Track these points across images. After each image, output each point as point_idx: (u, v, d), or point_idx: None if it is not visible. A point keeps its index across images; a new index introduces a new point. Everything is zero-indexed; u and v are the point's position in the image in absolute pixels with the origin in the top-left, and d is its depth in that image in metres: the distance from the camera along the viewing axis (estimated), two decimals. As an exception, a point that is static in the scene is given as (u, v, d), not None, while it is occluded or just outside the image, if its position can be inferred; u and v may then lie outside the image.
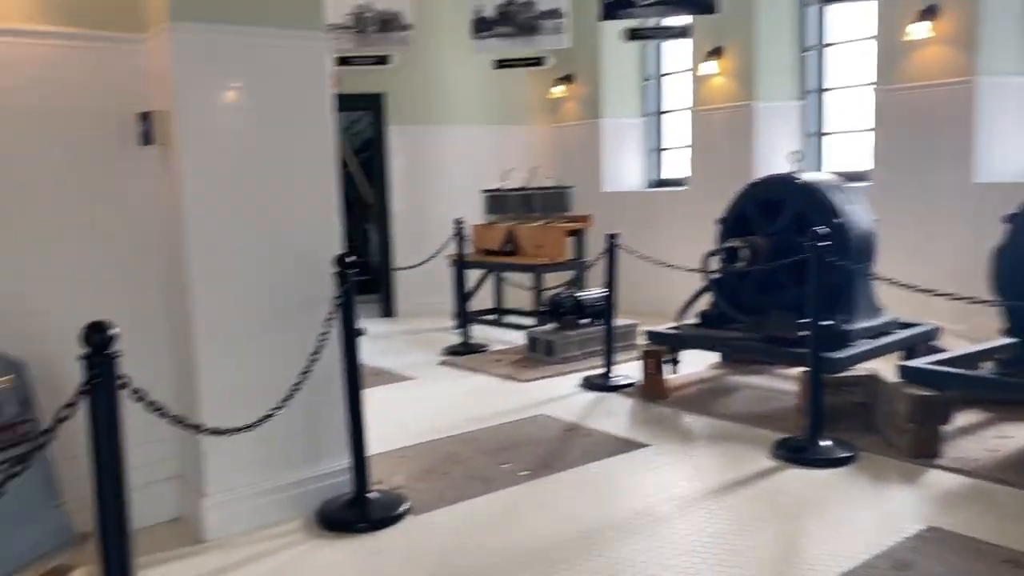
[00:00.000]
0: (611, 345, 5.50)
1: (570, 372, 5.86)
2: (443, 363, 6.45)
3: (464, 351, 6.75)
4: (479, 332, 7.34)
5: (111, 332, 1.84)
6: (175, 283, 3.37)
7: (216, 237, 3.29)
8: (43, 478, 2.75)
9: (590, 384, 5.48)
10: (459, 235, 7.29)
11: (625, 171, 8.97)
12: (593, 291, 6.48)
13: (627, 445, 4.29)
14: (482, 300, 7.75)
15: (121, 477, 1.86)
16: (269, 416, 2.81)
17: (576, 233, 7.38)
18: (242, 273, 3.36)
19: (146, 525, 3.23)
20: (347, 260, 3.44)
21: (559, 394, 5.36)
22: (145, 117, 3.30)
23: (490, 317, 7.81)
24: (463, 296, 7.34)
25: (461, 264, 7.37)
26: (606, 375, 5.49)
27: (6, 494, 2.62)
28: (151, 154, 3.37)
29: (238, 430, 2.53)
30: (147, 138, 3.32)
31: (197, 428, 2.30)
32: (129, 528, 1.90)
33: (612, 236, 5.48)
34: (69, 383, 3.23)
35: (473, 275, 7.62)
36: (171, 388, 3.38)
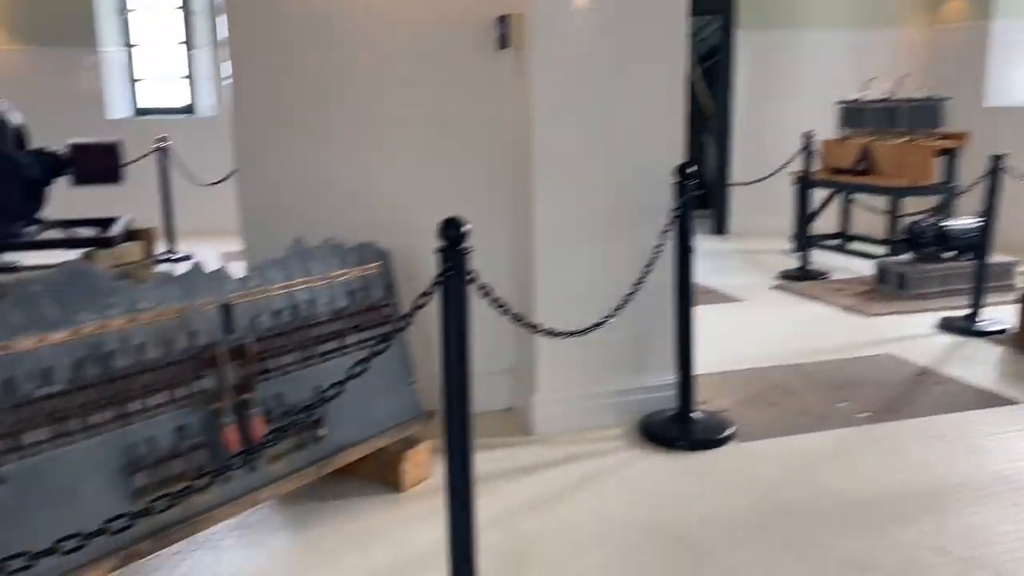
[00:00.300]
0: (982, 284, 4.80)
1: (925, 310, 5.23)
2: (776, 287, 6.10)
3: (801, 276, 6.33)
4: (820, 258, 6.83)
5: (464, 228, 1.90)
6: (521, 186, 3.47)
7: (561, 141, 3.32)
8: (400, 357, 3.03)
9: (950, 326, 4.85)
10: (807, 150, 6.75)
11: (1017, 83, 7.65)
12: (963, 221, 5.67)
13: (991, 399, 3.74)
14: (826, 223, 7.16)
15: (466, 364, 1.95)
16: (600, 323, 2.81)
17: (947, 153, 6.47)
18: (583, 178, 3.37)
19: (481, 411, 3.46)
20: (688, 172, 3.30)
21: (910, 333, 4.81)
22: (502, 20, 3.37)
23: (833, 242, 7.21)
24: (805, 217, 6.83)
25: (806, 182, 6.84)
26: (971, 317, 4.82)
27: (371, 368, 2.95)
28: (506, 58, 3.45)
29: (571, 334, 2.56)
30: (503, 42, 3.40)
31: (534, 328, 2.35)
32: (470, 411, 1.99)
33: (998, 158, 4.70)
34: (424, 273, 3.54)
35: (818, 195, 7.04)
36: (510, 287, 3.53)
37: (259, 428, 2.51)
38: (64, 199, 6.91)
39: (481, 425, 3.40)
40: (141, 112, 9.69)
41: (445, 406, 1.99)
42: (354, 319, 2.89)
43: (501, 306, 2.16)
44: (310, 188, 3.39)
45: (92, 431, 2.16)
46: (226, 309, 2.47)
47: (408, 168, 3.48)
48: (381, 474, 2.97)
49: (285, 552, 2.55)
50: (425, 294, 1.84)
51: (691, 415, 3.41)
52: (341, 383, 1.80)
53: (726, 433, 3.35)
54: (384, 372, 2.97)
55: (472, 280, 1.93)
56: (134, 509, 2.20)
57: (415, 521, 2.73)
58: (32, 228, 6.55)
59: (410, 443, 2.99)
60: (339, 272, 2.88)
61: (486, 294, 2.08)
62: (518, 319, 2.26)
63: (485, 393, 3.55)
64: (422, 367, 3.22)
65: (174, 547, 2.36)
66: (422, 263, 3.52)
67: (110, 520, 1.47)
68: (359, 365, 1.82)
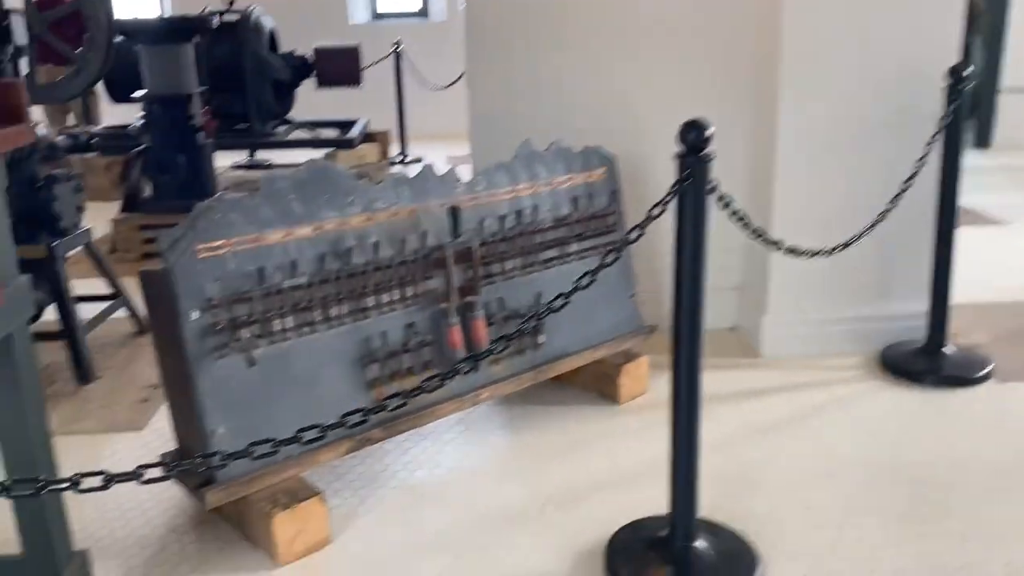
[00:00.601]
0: None
1: None
2: (1051, 210, 5.34)
3: (1083, 198, 5.49)
4: (1109, 177, 5.89)
5: (707, 132, 1.74)
6: (764, 87, 3.19)
7: (812, 39, 2.99)
8: (622, 269, 2.94)
9: None
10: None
11: None
12: None
13: None
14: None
15: (700, 279, 1.83)
16: (850, 243, 2.55)
17: None
18: (836, 80, 3.03)
19: (705, 328, 3.31)
20: (962, 74, 2.87)
21: None
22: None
23: None
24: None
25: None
26: None
27: (595, 279, 2.89)
28: (754, -54, 3.13)
29: (815, 253, 2.33)
30: (752, -73, 3.08)
31: (776, 245, 2.16)
32: (701, 329, 1.87)
33: None
34: (651, 180, 3.39)
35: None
36: (744, 198, 3.30)
37: (481, 330, 2.53)
38: (307, 101, 7.35)
39: (705, 343, 3.27)
40: (378, 17, 10.03)
41: (674, 322, 1.88)
42: (577, 227, 2.82)
43: (742, 220, 1.99)
44: (539, 92, 3.31)
45: (332, 323, 2.26)
46: (454, 212, 2.48)
47: (640, 70, 3.30)
48: (598, 385, 2.94)
49: (502, 452, 2.60)
50: (660, 203, 1.71)
51: (942, 349, 3.07)
52: (568, 295, 1.74)
53: (983, 371, 2.99)
54: (605, 283, 2.88)
55: (712, 189, 1.77)
56: (367, 399, 2.32)
57: (631, 435, 2.68)
58: (282, 128, 7.05)
59: (629, 357, 2.92)
60: (564, 177, 2.81)
61: (726, 205, 1.92)
62: (759, 235, 2.08)
63: (711, 310, 3.37)
64: (643, 279, 3.12)
65: (401, 436, 2.46)
66: (649, 170, 3.37)
67: (348, 414, 1.50)
68: (587, 276, 1.75)
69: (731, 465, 2.48)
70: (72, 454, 2.66)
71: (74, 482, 1.32)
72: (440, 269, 2.47)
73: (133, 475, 1.40)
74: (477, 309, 2.52)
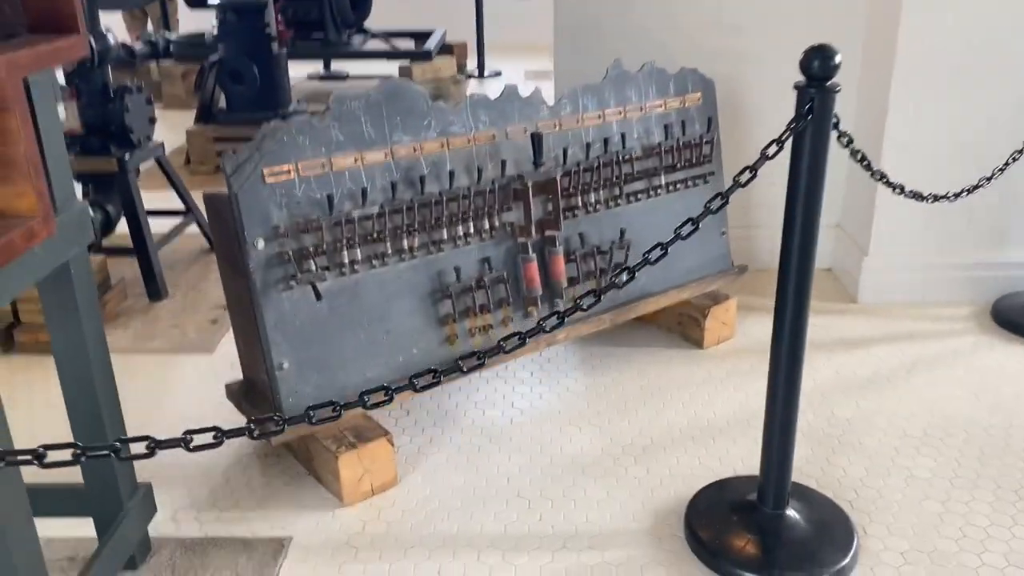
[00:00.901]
0: None
1: None
2: None
3: None
4: None
5: (835, 60, 1.51)
6: (880, 9, 2.86)
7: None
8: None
9: None
10: None
11: None
12: None
13: None
14: None
15: (814, 222, 1.63)
16: (976, 187, 2.28)
17: None
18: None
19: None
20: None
21: None
22: None
23: None
24: None
25: None
26: None
27: (680, 213, 2.67)
28: None
29: (939, 198, 2.08)
30: None
31: (898, 189, 1.92)
32: (811, 274, 1.68)
33: None
34: (751, 107, 3.13)
35: None
36: (847, 129, 3.01)
37: (560, 267, 2.37)
38: (383, 9, 7.11)
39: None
40: (457, -79, 9.60)
41: (782, 266, 1.68)
42: (668, 157, 2.60)
43: (864, 161, 1.76)
44: (631, 4, 3.04)
45: (403, 256, 2.13)
46: (536, 139, 2.29)
47: (744, -18, 3.00)
48: (682, 328, 2.77)
49: (577, 396, 2.47)
50: (777, 141, 1.50)
51: (1066, 303, 2.79)
52: (666, 245, 1.56)
53: (1112, 331, 2.71)
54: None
55: (836, 124, 1.55)
56: (438, 336, 2.21)
57: (716, 384, 2.51)
58: (358, 38, 6.85)
59: (716, 298, 2.73)
60: (657, 102, 2.57)
61: (848, 143, 1.69)
62: (881, 177, 1.84)
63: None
64: (735, 215, 2.90)
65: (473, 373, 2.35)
66: (749, 96, 3.10)
67: (417, 375, 1.37)
68: (688, 225, 1.55)
69: (823, 422, 2.30)
70: (141, 374, 2.64)
71: (150, 448, 1.22)
72: (519, 201, 2.30)
73: (213, 435, 1.29)
74: (557, 244, 2.35)
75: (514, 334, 1.43)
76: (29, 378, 2.62)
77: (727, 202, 1.53)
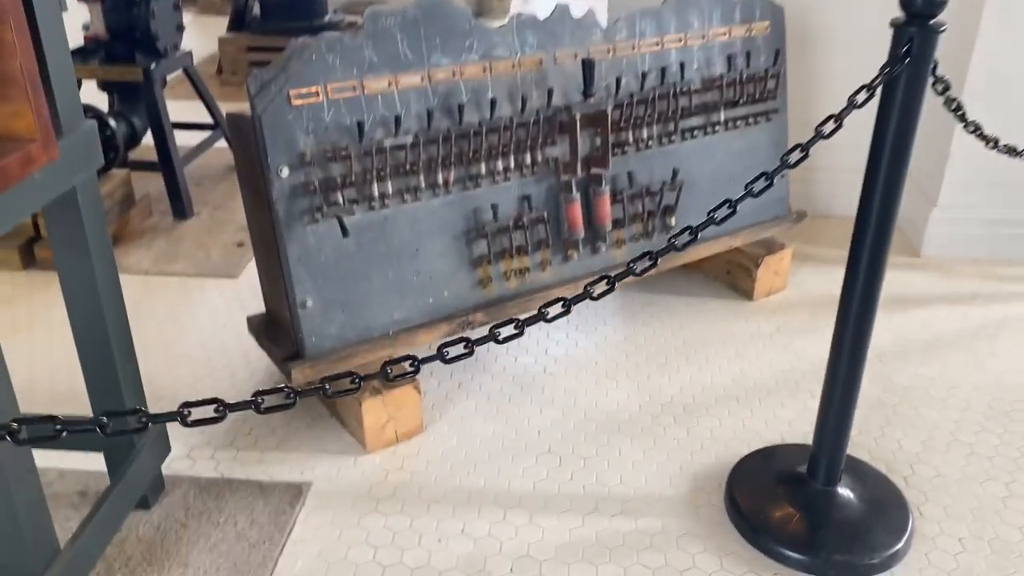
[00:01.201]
0: None
1: None
2: None
3: None
4: None
5: (942, -6, 1.30)
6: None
7: None
8: (776, 141, 2.52)
9: None
10: None
11: None
12: None
13: None
14: None
15: (901, 171, 1.45)
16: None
17: None
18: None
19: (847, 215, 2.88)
20: None
21: None
22: None
23: None
24: None
25: None
26: None
27: (737, 152, 2.49)
28: None
29: (1015, 151, 1.87)
30: None
31: (993, 143, 1.72)
32: (891, 225, 1.50)
33: None
34: (824, 39, 2.88)
35: None
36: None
37: (605, 208, 2.21)
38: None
39: (843, 233, 2.85)
40: None
41: (862, 215, 1.51)
42: (730, 91, 2.39)
43: (959, 111, 1.56)
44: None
45: (437, 190, 1.98)
46: (587, 66, 2.09)
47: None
48: (731, 277, 2.60)
49: (616, 346, 2.33)
50: (868, 88, 1.31)
51: None
52: (735, 203, 1.39)
53: None
54: (752, 156, 2.49)
55: (934, 69, 1.35)
56: (471, 278, 2.07)
57: (765, 339, 2.36)
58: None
59: (770, 247, 2.55)
60: (721, 30, 2.35)
61: (945, 89, 1.49)
62: (975, 129, 1.64)
63: (854, 195, 2.94)
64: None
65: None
66: (823, 25, 2.85)
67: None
68: (761, 180, 1.38)
69: (879, 388, 2.15)
70: (162, 299, 2.55)
71: (182, 414, 1.10)
72: (564, 135, 2.12)
73: (250, 403, 1.15)
74: (603, 184, 2.18)
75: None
76: (49, 297, 2.54)
77: (807, 155, 1.35)
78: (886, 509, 1.74)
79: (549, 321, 1.22)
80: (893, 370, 2.22)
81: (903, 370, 2.23)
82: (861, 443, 1.94)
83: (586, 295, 1.25)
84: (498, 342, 1.21)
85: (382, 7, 1.86)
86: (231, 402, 1.10)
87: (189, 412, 1.09)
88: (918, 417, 2.05)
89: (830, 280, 2.64)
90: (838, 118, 1.30)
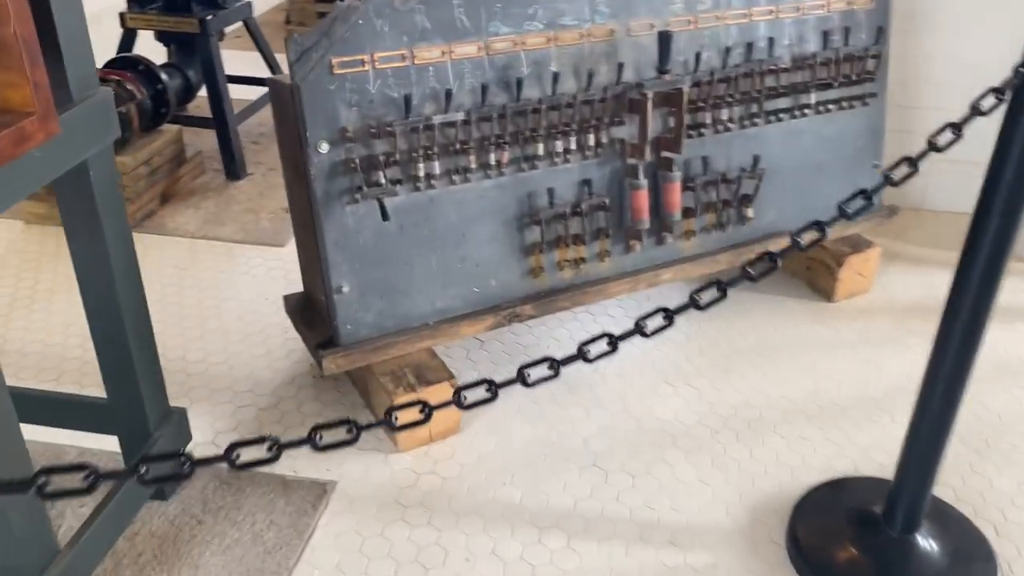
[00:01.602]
0: None
1: None
2: None
3: None
4: None
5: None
6: None
7: None
8: (872, 127, 2.26)
9: None
10: None
11: None
12: None
13: None
14: None
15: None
16: None
17: None
18: None
19: (940, 209, 2.60)
20: None
21: None
22: None
23: None
24: None
25: None
26: None
27: (826, 139, 2.25)
28: None
29: None
30: None
31: None
32: (1015, 232, 1.28)
33: None
34: (929, 10, 2.59)
35: None
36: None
37: (675, 196, 2.00)
38: None
39: (937, 229, 2.59)
40: None
41: (980, 217, 1.29)
42: (823, 70, 2.14)
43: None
44: None
45: (489, 171, 1.81)
46: (664, 39, 1.88)
47: None
48: (810, 274, 2.38)
49: (676, 345, 2.15)
50: (997, 91, 1.08)
51: None
52: (822, 227, 1.19)
53: None
54: (842, 142, 2.25)
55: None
56: (521, 267, 1.91)
57: (845, 348, 2.14)
58: None
59: (855, 244, 2.31)
60: (818, 1, 2.10)
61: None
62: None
63: (950, 186, 2.66)
64: (893, 146, 2.43)
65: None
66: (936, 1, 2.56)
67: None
68: (861, 197, 1.17)
69: (969, 414, 1.92)
70: (206, 264, 2.46)
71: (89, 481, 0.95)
72: (634, 114, 1.92)
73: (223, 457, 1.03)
74: (674, 169, 1.98)
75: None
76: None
77: (915, 170, 1.13)
78: (970, 562, 1.54)
79: (590, 361, 1.06)
80: (987, 393, 1.99)
81: (999, 394, 1.99)
82: (945, 480, 1.73)
83: (638, 330, 1.08)
84: (554, 371, 1.05)
85: (438, -33, 1.68)
86: (198, 458, 0.97)
87: (144, 471, 0.94)
88: (1014, 451, 1.83)
89: (920, 283, 2.40)
90: (957, 128, 1.08)
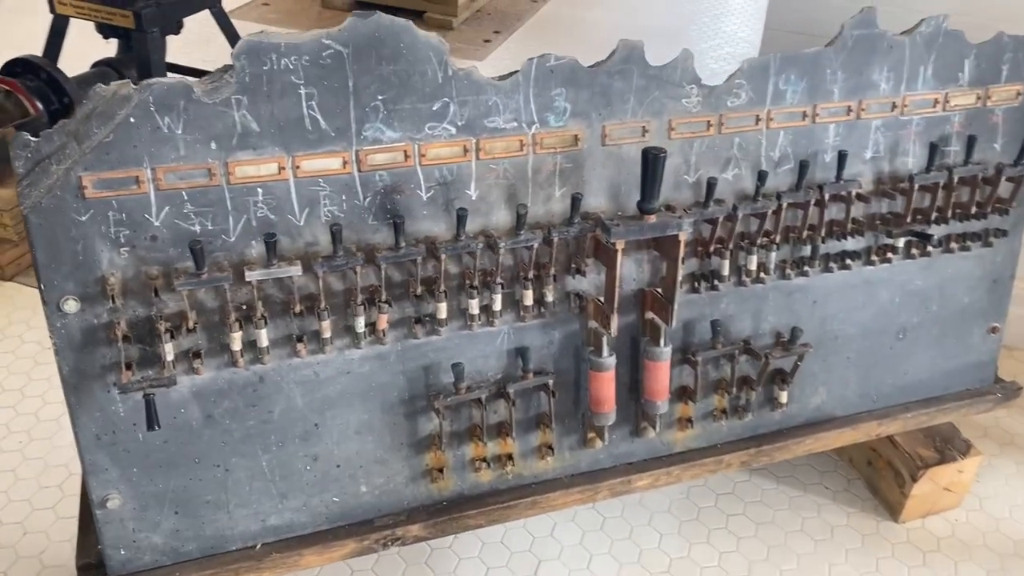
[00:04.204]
0: None
1: None
2: None
3: None
4: None
5: None
6: None
7: None
8: (996, 280, 1.51)
9: None
10: None
11: None
12: None
13: None
14: None
15: None
16: None
17: None
18: None
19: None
20: None
21: None
22: None
23: None
24: None
25: None
26: None
27: (924, 295, 1.51)
28: None
29: None
30: None
31: None
32: None
33: None
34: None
35: None
36: None
37: (662, 380, 1.33)
38: None
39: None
40: None
41: None
42: (926, 198, 1.40)
43: None
44: None
45: (357, 340, 1.18)
46: (651, 161, 1.18)
47: None
48: (873, 472, 1.66)
49: (657, 569, 1.50)
50: None
51: None
52: None
53: None
54: (945, 305, 1.51)
55: None
56: (409, 468, 1.29)
57: (899, 610, 1.44)
58: None
59: (945, 444, 1.58)
60: (930, 94, 1.35)
61: None
62: None
63: None
64: (1019, 309, 1.69)
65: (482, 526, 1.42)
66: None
67: None
68: None
69: None
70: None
71: None
72: (601, 259, 1.25)
73: None
74: (662, 342, 1.30)
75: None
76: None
77: None
78: None
79: None
80: None
81: None
82: None
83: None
84: None
85: (269, 37, 1.04)
86: None
87: None
88: None
89: (1041, 497, 1.65)
90: None
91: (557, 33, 3.78)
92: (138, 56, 2.28)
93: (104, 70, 2.33)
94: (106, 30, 2.39)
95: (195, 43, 2.99)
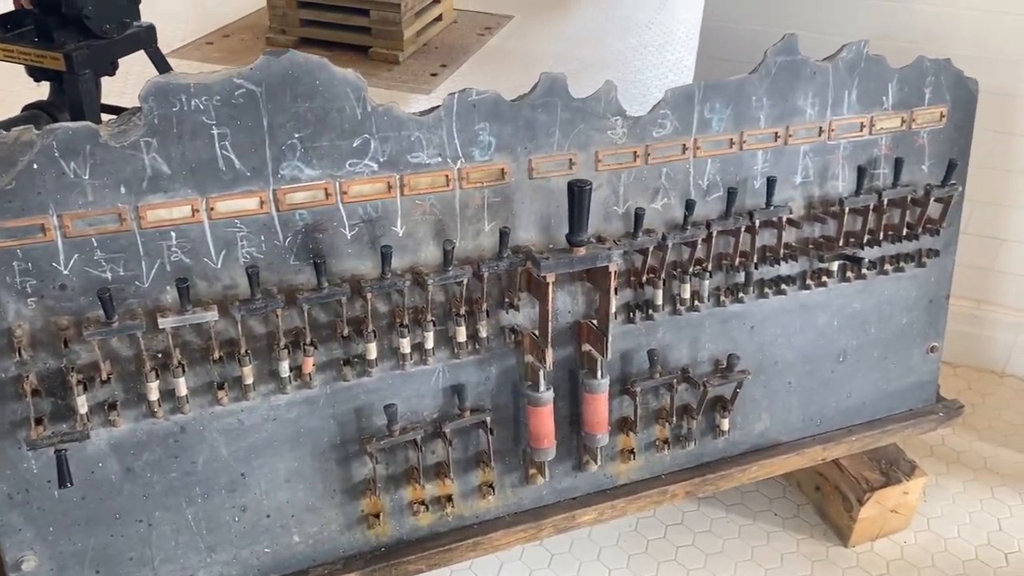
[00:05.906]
0: None
1: None
2: None
3: None
4: None
5: None
6: None
7: None
8: (931, 300, 1.52)
9: None
10: None
11: None
12: None
13: None
14: None
15: None
16: None
17: None
18: None
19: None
20: None
21: None
22: None
23: None
24: None
25: None
26: None
27: (857, 313, 1.51)
28: None
29: None
30: None
31: None
32: None
33: None
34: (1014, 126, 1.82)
35: None
36: None
37: (600, 413, 1.31)
38: None
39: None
40: None
41: None
42: (857, 221, 1.40)
43: None
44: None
45: (282, 384, 1.15)
46: (576, 193, 1.17)
47: None
48: (821, 497, 1.65)
49: (602, 604, 1.47)
50: None
51: None
52: None
53: None
54: (882, 327, 1.52)
55: None
56: (343, 515, 1.25)
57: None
58: None
59: (890, 468, 1.57)
60: (856, 118, 1.36)
61: None
62: None
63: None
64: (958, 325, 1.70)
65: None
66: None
67: None
68: None
69: None
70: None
71: None
72: (535, 293, 1.23)
73: None
74: (599, 374, 1.28)
75: None
76: None
77: None
78: None
79: None
80: None
81: None
82: None
83: None
84: None
85: (177, 78, 1.02)
86: None
87: None
88: None
89: (996, 512, 1.65)
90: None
91: (503, 66, 3.79)
92: (70, 99, 2.24)
93: (35, 113, 2.27)
94: (37, 73, 2.34)
95: (137, 84, 2.95)
